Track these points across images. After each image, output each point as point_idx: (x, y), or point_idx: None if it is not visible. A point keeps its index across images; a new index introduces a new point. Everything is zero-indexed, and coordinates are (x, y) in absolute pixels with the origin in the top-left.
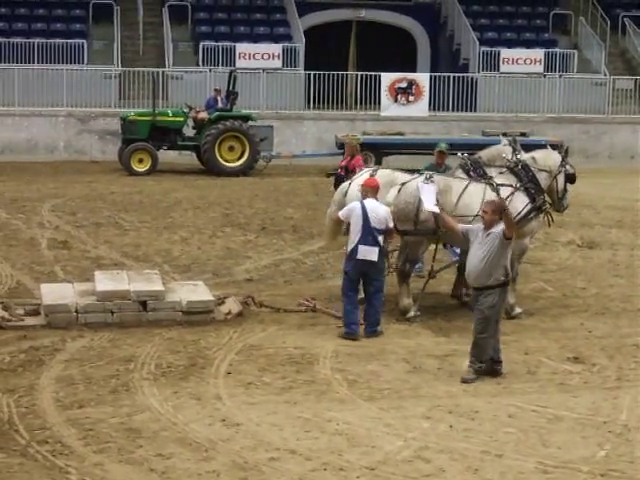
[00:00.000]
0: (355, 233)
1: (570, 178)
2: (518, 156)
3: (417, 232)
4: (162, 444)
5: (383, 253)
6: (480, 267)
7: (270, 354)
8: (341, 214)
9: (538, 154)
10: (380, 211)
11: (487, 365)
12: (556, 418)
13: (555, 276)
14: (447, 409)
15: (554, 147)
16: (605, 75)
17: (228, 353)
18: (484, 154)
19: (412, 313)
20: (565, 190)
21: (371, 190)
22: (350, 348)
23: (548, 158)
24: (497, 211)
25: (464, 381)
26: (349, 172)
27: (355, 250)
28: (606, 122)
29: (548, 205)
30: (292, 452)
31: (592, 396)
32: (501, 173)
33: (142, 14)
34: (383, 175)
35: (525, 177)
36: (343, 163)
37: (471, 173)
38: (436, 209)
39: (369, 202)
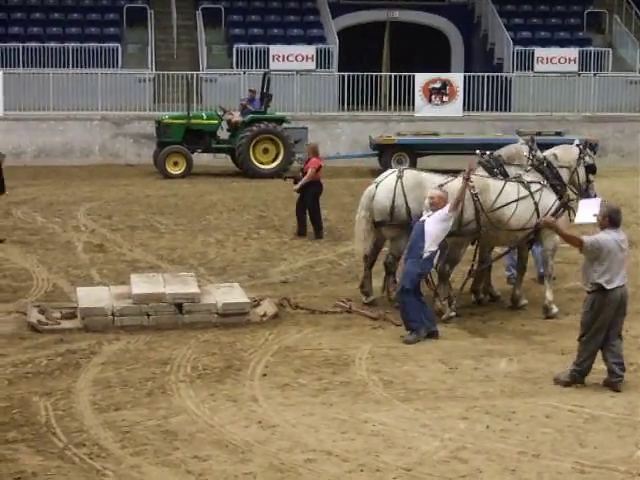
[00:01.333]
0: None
1: (590, 168)
2: (537, 154)
3: (460, 233)
4: (199, 446)
5: None
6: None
7: (306, 356)
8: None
9: (558, 150)
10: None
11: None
12: (593, 418)
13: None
14: (484, 410)
15: (591, 146)
16: None
17: (264, 355)
18: (503, 152)
19: (448, 314)
20: (588, 181)
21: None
22: (386, 349)
23: (567, 154)
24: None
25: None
26: (305, 174)
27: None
28: None
29: (573, 199)
30: (328, 453)
31: (629, 396)
32: (527, 171)
33: (176, 17)
34: (410, 177)
35: (550, 174)
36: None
37: (495, 170)
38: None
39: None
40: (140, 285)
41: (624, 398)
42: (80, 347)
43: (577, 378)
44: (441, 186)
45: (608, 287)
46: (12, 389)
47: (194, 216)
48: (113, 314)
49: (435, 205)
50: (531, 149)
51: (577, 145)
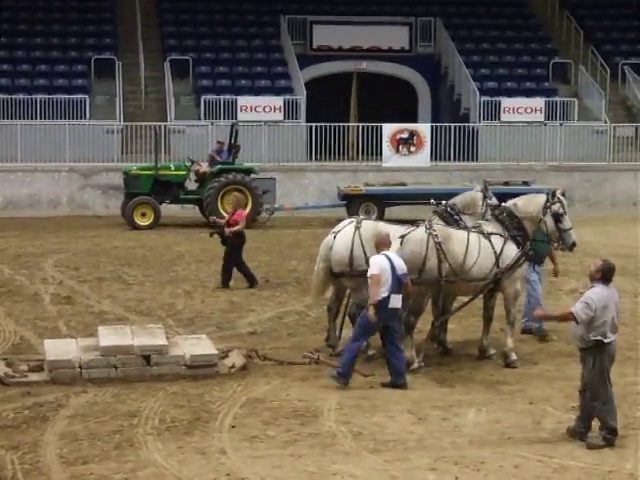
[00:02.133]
0: (384, 284)
1: (555, 217)
2: (491, 201)
3: (421, 282)
4: None
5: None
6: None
7: (274, 407)
8: (376, 272)
9: (520, 201)
10: (401, 261)
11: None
12: (562, 468)
13: (559, 325)
14: (453, 460)
15: (563, 194)
16: (606, 123)
17: (232, 407)
18: (458, 200)
19: (416, 365)
20: (561, 229)
21: (386, 245)
22: (355, 400)
23: (529, 204)
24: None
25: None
26: (230, 226)
27: (387, 300)
28: (608, 169)
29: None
30: None
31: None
32: (487, 220)
33: (144, 69)
34: (368, 227)
35: (510, 225)
36: (228, 217)
37: (451, 220)
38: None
39: (391, 254)
40: (108, 337)
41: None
42: (47, 400)
43: (611, 440)
44: (403, 237)
45: (606, 341)
46: None
47: (162, 267)
48: (81, 366)
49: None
50: (485, 197)
51: (546, 194)
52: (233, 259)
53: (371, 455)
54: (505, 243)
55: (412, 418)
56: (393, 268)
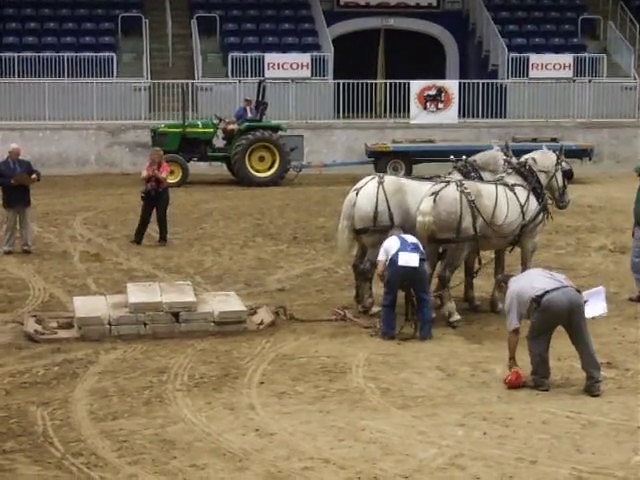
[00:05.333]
0: (393, 248)
1: (567, 174)
2: (512, 160)
3: (458, 239)
4: (196, 455)
5: (424, 258)
6: None
7: (303, 363)
8: (380, 259)
9: (537, 155)
10: (413, 238)
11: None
12: (590, 424)
13: (587, 281)
14: (481, 416)
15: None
16: (635, 79)
17: (261, 363)
18: (479, 158)
19: (457, 316)
20: (564, 186)
21: None
22: (383, 356)
23: (545, 159)
24: None
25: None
26: (160, 182)
27: (396, 258)
28: (636, 126)
29: (549, 203)
30: (326, 461)
31: (626, 401)
32: (508, 174)
33: (171, 26)
34: (391, 182)
35: (531, 178)
36: (149, 173)
37: (472, 174)
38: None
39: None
40: (137, 294)
41: (621, 403)
42: (77, 357)
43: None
44: (435, 193)
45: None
46: (9, 399)
47: (190, 225)
48: (110, 323)
49: None
50: (506, 155)
51: (553, 151)
52: (163, 212)
53: (399, 411)
54: (529, 195)
55: (440, 374)
56: (403, 241)
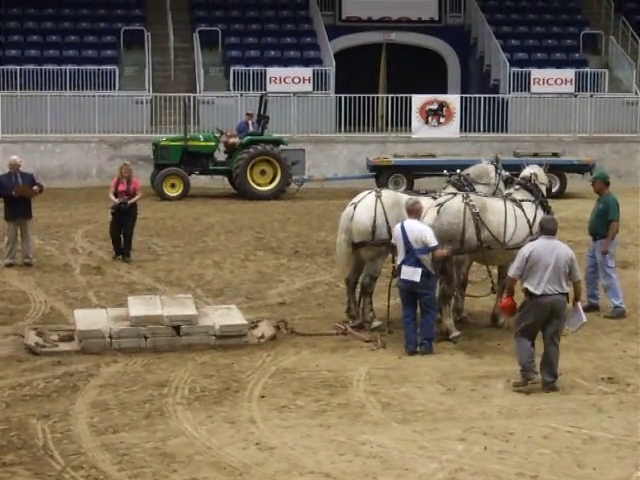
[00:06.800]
0: (399, 254)
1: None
2: (502, 173)
3: (462, 251)
4: (196, 468)
5: (429, 272)
6: None
7: (303, 377)
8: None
9: (535, 170)
10: (416, 230)
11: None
12: (591, 439)
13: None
14: (481, 431)
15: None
16: (636, 94)
17: (261, 377)
18: (471, 171)
19: (456, 333)
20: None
21: (415, 213)
22: (383, 371)
23: (542, 173)
24: None
25: None
26: (131, 196)
27: (399, 270)
28: (638, 141)
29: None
30: (326, 475)
31: (627, 416)
32: (516, 190)
33: (173, 39)
34: (388, 196)
35: (537, 192)
36: (122, 188)
37: (466, 188)
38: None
39: (408, 222)
40: (137, 307)
41: (622, 419)
42: (78, 369)
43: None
44: (440, 205)
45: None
46: (9, 412)
47: (191, 238)
48: (111, 336)
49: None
50: (496, 168)
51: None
52: (130, 228)
53: (400, 425)
54: (536, 209)
55: (441, 389)
56: (406, 239)
